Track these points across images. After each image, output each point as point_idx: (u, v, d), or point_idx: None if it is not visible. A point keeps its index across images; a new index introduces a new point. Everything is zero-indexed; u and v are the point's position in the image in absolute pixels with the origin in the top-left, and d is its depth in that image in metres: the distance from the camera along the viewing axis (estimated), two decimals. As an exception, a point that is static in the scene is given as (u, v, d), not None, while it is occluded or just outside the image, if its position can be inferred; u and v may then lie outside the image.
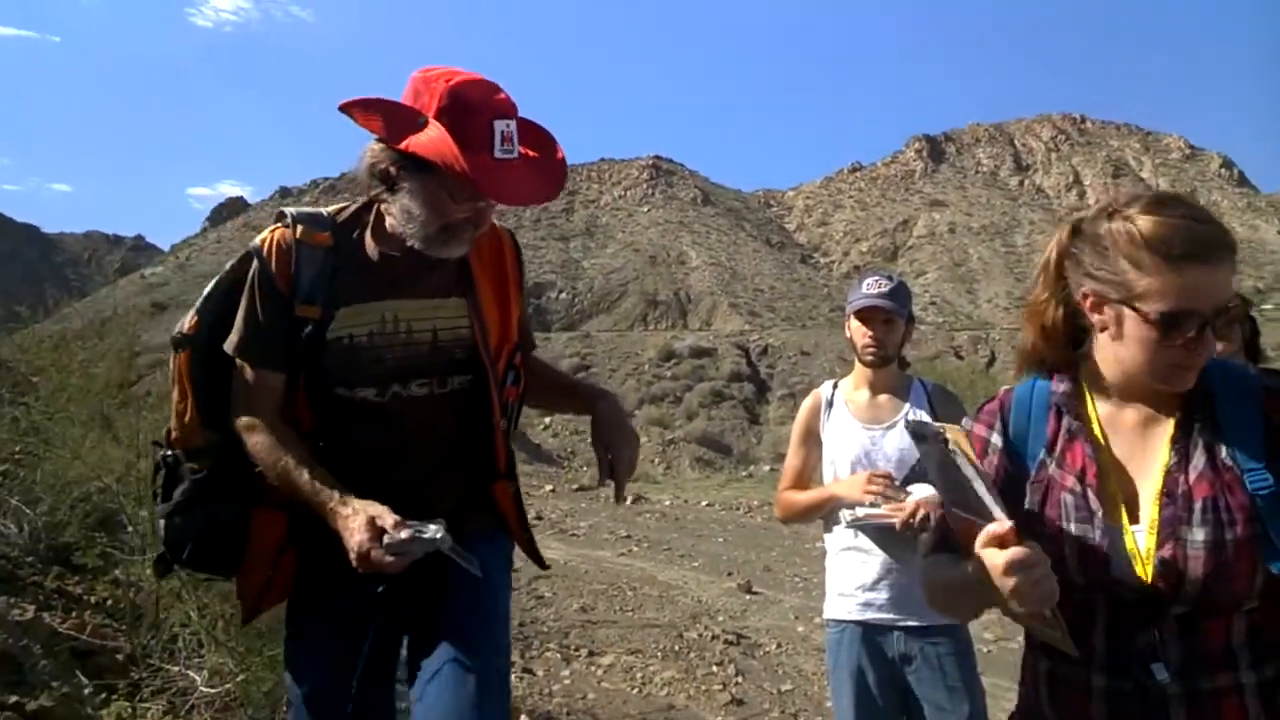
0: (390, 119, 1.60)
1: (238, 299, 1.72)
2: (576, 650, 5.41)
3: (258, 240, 1.72)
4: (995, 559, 1.15)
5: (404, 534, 1.53)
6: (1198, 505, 1.24)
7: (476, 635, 1.71)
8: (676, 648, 5.64)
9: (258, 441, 1.67)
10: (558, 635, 5.68)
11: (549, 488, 15.38)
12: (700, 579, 8.27)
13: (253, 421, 1.68)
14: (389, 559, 1.51)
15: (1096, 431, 1.36)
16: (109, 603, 4.18)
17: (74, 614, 3.87)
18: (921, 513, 2.28)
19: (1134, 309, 1.24)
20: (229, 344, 1.70)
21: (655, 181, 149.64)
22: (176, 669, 3.56)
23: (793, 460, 2.76)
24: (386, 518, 1.53)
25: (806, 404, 2.74)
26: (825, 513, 2.59)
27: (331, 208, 1.80)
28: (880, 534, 2.47)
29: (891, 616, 2.45)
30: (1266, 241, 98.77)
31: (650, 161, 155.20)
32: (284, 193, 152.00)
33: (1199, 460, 1.28)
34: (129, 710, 3.18)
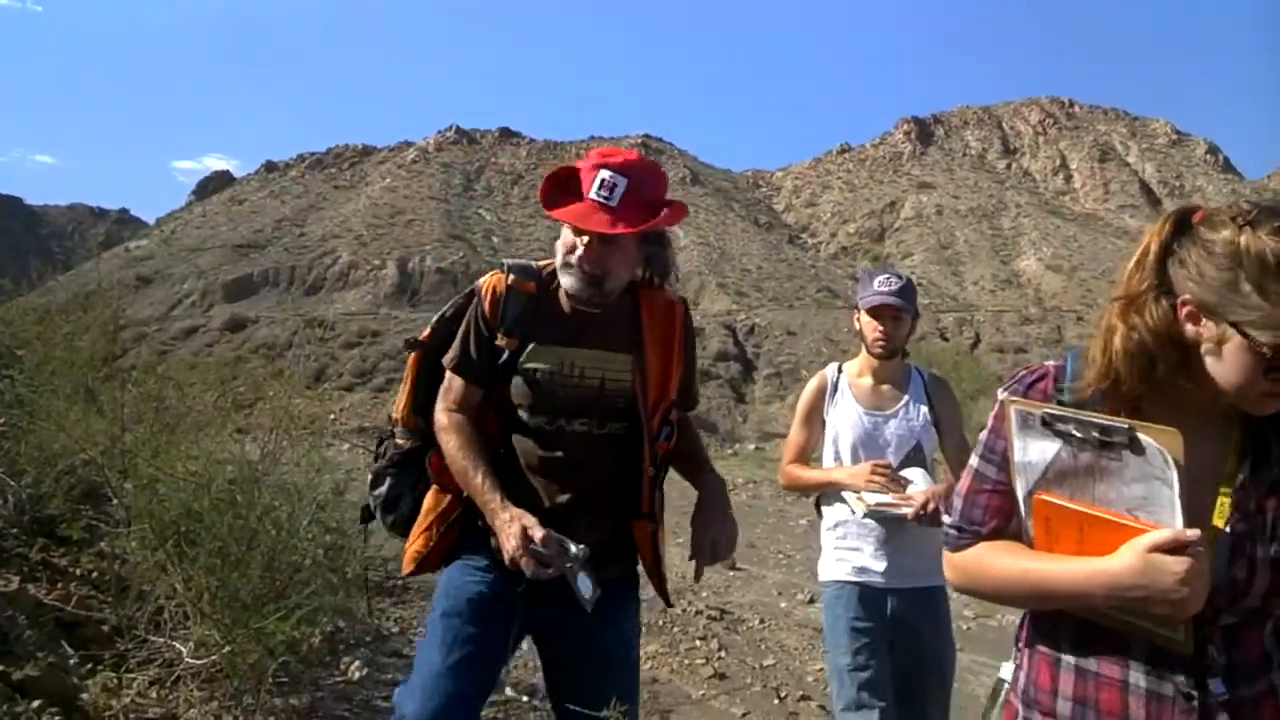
0: (541, 189, 2.02)
1: (459, 324, 2.09)
2: (561, 625, 5.45)
3: (480, 282, 2.10)
4: (1175, 565, 1.14)
5: (549, 547, 1.81)
6: (1268, 521, 1.24)
7: (611, 690, 1.94)
8: (660, 623, 5.68)
9: (450, 438, 2.00)
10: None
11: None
12: (685, 555, 8.31)
13: (450, 420, 2.02)
14: (531, 564, 1.80)
15: None
16: (94, 575, 4.18)
17: (59, 585, 3.88)
18: (931, 505, 2.55)
19: (1246, 335, 1.17)
20: (447, 359, 2.07)
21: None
22: (162, 640, 3.57)
23: (796, 436, 3.01)
24: (536, 530, 1.82)
25: (811, 385, 2.96)
26: (829, 490, 2.86)
27: (544, 262, 2.12)
28: (887, 519, 2.70)
29: (884, 580, 2.73)
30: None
31: (640, 140, 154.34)
32: (270, 166, 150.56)
33: (1267, 474, 1.26)
34: (115, 681, 3.20)
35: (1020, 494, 1.33)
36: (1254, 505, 1.25)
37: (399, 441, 2.18)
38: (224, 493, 4.37)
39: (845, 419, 2.85)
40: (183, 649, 3.51)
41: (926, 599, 2.74)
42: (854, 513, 2.72)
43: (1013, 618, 6.17)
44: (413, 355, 2.18)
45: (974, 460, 1.44)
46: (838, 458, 2.86)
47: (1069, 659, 1.35)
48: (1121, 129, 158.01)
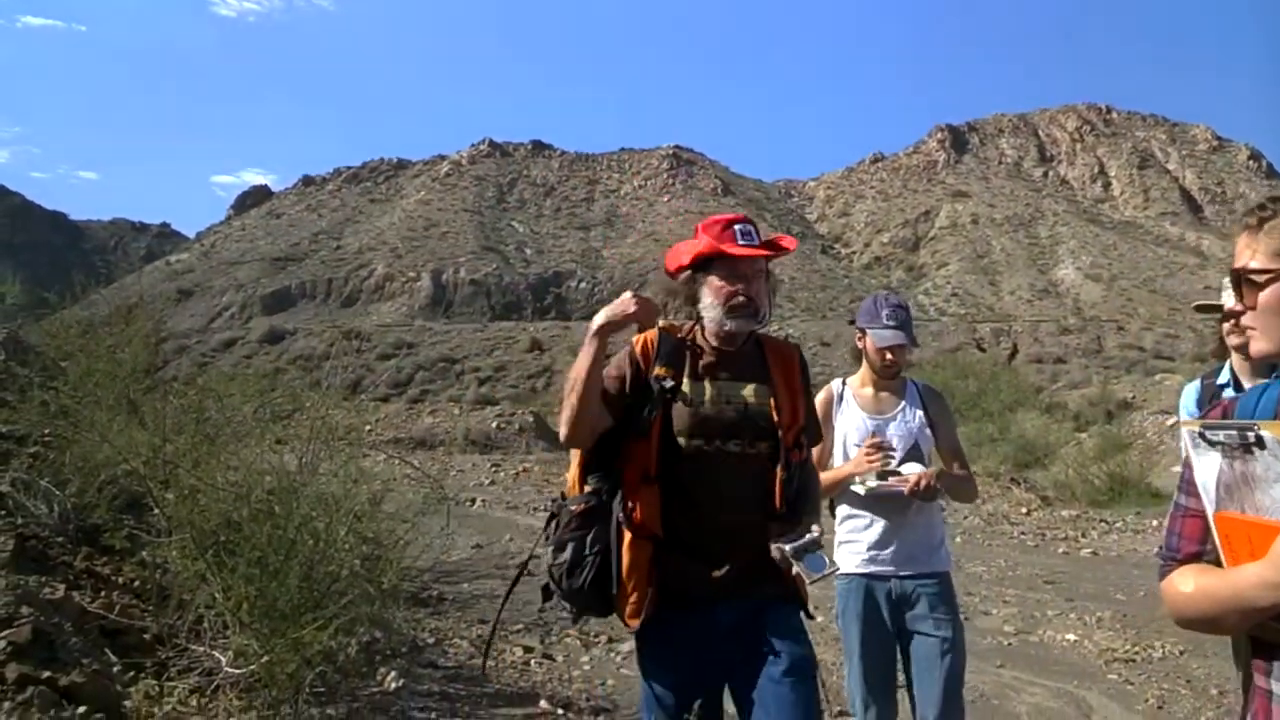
0: (676, 254, 2.43)
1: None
2: (596, 637, 5.43)
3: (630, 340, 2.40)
4: None
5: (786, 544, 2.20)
6: None
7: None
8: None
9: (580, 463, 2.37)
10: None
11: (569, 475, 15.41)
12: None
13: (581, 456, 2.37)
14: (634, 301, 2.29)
15: None
16: (136, 583, 4.24)
17: (102, 594, 3.93)
18: (925, 483, 2.90)
19: None
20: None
21: (676, 171, 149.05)
22: (202, 649, 3.60)
23: None
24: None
25: (820, 397, 3.17)
26: (841, 489, 3.13)
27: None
28: (884, 500, 3.01)
29: (891, 569, 3.04)
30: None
31: (670, 151, 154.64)
32: (307, 181, 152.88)
33: None
34: (156, 689, 3.23)
35: (1209, 514, 1.30)
36: None
37: (573, 508, 2.34)
38: (262, 503, 4.42)
39: (851, 423, 3.17)
40: (222, 658, 3.54)
41: (930, 583, 3.02)
42: (860, 493, 3.03)
43: (1052, 634, 6.06)
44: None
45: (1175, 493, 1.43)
46: (846, 458, 3.15)
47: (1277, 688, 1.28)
48: (1161, 135, 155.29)
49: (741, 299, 2.33)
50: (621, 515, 2.22)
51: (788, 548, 2.20)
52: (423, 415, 22.81)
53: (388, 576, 4.80)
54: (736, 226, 2.38)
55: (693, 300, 2.40)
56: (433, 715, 3.91)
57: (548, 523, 2.38)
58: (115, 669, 3.29)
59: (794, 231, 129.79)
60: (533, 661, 4.86)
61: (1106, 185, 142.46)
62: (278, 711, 3.50)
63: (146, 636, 3.67)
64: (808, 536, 2.22)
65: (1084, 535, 9.96)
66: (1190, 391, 3.21)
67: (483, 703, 4.13)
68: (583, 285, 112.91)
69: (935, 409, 3.21)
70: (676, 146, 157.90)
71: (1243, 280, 1.35)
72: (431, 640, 4.93)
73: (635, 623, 2.22)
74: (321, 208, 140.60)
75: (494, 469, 15.27)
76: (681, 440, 2.26)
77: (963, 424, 17.11)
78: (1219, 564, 1.31)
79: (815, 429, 2.55)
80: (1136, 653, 5.55)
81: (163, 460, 4.31)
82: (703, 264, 2.36)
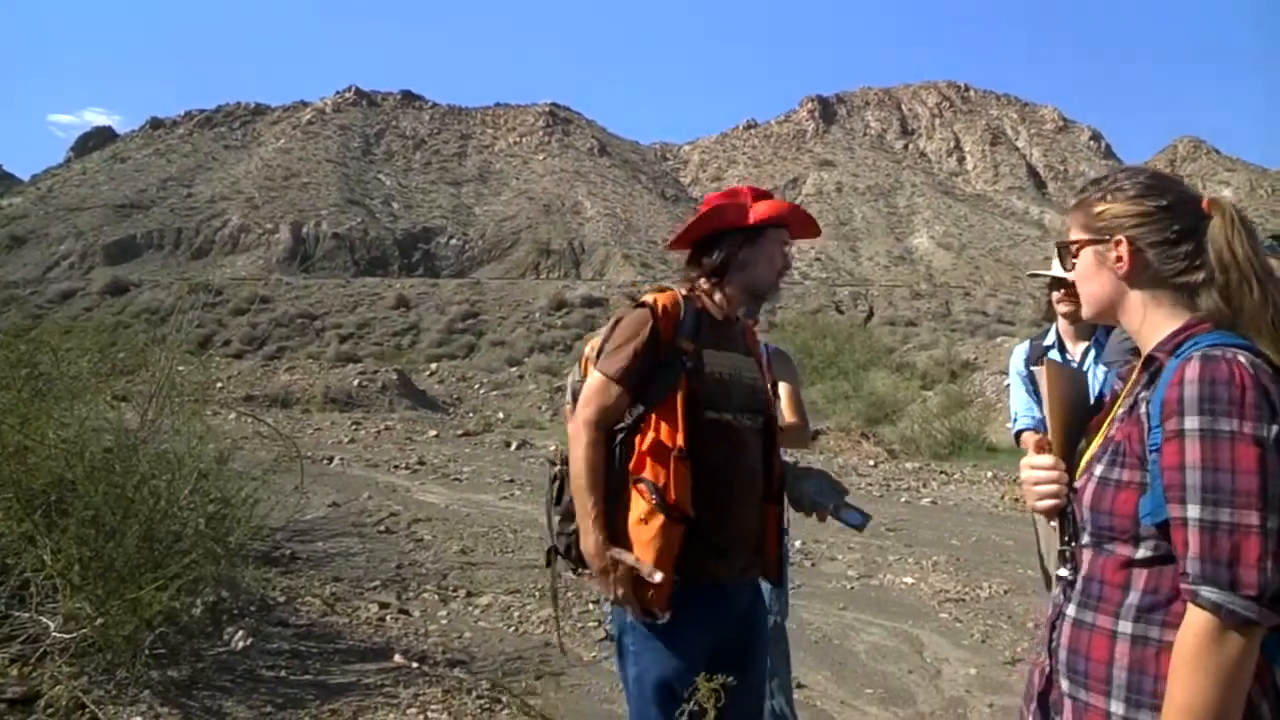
0: (726, 215, 2.28)
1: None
2: (455, 591, 5.43)
3: (649, 298, 2.22)
4: None
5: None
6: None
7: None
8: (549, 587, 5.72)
9: (588, 455, 2.06)
10: (436, 577, 5.66)
11: (433, 433, 15.18)
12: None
13: (590, 437, 2.07)
14: (638, 609, 2.05)
15: None
16: (-48, 548, 3.96)
17: (-88, 559, 3.65)
18: None
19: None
20: (610, 367, 2.12)
21: (552, 129, 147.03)
22: (27, 615, 3.42)
23: None
24: (654, 573, 2.00)
25: None
26: None
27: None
28: None
29: None
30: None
31: (547, 109, 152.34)
32: (155, 124, 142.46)
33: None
34: (-29, 657, 3.05)
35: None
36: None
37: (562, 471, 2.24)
38: (99, 461, 4.20)
39: None
40: (50, 623, 3.37)
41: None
42: None
43: (892, 578, 6.49)
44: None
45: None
46: None
47: None
48: (1012, 114, 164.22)
49: (785, 267, 2.33)
50: (655, 497, 2.02)
51: (830, 505, 2.31)
52: (279, 372, 21.99)
53: (234, 535, 4.67)
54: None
55: (728, 262, 2.26)
56: (282, 673, 3.85)
57: (552, 484, 2.25)
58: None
59: (668, 194, 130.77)
60: (388, 617, 4.82)
61: (961, 159, 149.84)
62: (113, 676, 3.38)
63: (-38, 604, 3.44)
64: (842, 493, 2.33)
65: (925, 486, 10.59)
66: (1019, 352, 3.50)
67: (335, 659, 4.08)
68: (453, 242, 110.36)
69: (780, 371, 3.26)
70: (553, 104, 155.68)
71: (1063, 251, 1.53)
72: (283, 599, 4.82)
73: (665, 614, 2.05)
74: (171, 153, 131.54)
75: (354, 427, 14.91)
76: (710, 414, 2.14)
77: (820, 382, 17.94)
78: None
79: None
80: (966, 593, 6.00)
81: (-9, 417, 4.02)
82: (761, 228, 2.27)
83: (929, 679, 4.62)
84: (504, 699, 3.75)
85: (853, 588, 6.14)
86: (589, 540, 2.03)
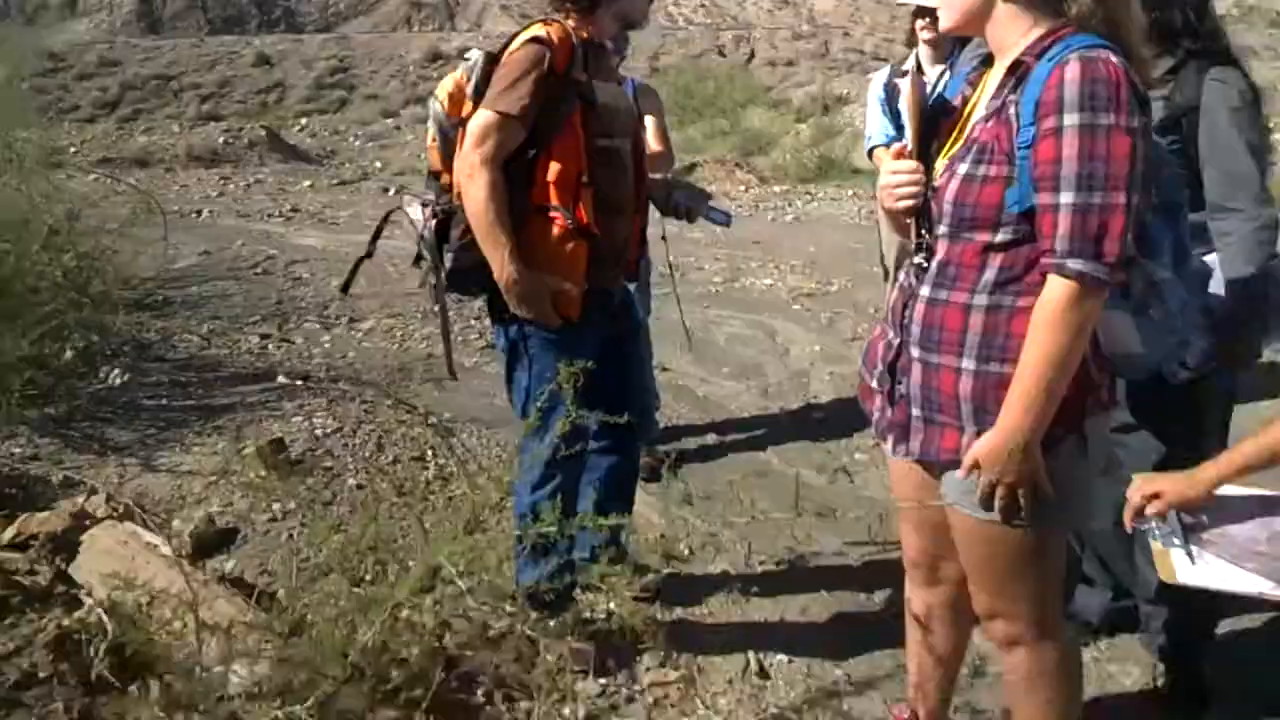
0: None
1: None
2: (337, 319, 5.52)
3: (544, 33, 2.23)
4: None
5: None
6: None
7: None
8: (436, 308, 5.90)
9: (490, 198, 2.13)
10: (317, 309, 5.69)
11: (308, 183, 14.58)
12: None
13: (490, 178, 2.13)
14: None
15: None
16: None
17: None
18: None
19: None
20: (503, 103, 2.16)
21: None
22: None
23: None
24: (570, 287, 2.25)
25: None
26: None
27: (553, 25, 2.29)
28: None
29: None
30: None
31: None
32: None
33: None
34: None
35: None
36: None
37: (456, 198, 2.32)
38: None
39: None
40: None
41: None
42: None
43: (753, 281, 6.90)
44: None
45: None
46: None
47: None
48: None
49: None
50: (570, 221, 2.22)
51: (700, 207, 2.67)
52: (136, 134, 20.52)
53: (95, 285, 4.69)
54: None
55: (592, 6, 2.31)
56: (164, 401, 4.02)
57: (440, 226, 2.36)
58: None
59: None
60: (270, 345, 4.95)
61: None
62: (-19, 416, 3.47)
63: None
64: (708, 198, 2.68)
65: (790, 205, 10.94)
66: (879, 78, 3.93)
67: (217, 384, 4.26)
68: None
69: (644, 101, 3.33)
70: None
71: None
72: (158, 339, 4.89)
73: (576, 316, 2.28)
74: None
75: (223, 181, 14.19)
76: (601, 141, 2.29)
77: (700, 121, 18.03)
78: None
79: None
80: (817, 289, 6.49)
81: None
82: None
83: (778, 357, 5.14)
84: (387, 403, 4.03)
85: (717, 291, 6.54)
86: (509, 270, 2.16)
